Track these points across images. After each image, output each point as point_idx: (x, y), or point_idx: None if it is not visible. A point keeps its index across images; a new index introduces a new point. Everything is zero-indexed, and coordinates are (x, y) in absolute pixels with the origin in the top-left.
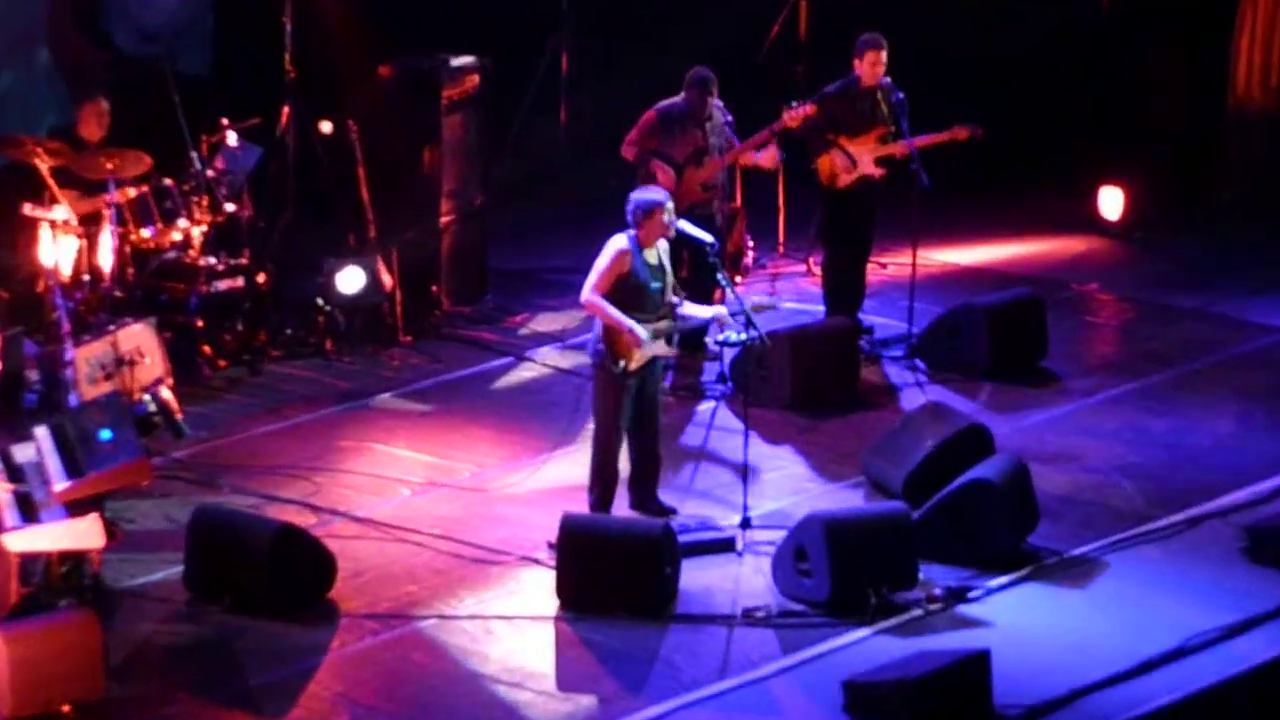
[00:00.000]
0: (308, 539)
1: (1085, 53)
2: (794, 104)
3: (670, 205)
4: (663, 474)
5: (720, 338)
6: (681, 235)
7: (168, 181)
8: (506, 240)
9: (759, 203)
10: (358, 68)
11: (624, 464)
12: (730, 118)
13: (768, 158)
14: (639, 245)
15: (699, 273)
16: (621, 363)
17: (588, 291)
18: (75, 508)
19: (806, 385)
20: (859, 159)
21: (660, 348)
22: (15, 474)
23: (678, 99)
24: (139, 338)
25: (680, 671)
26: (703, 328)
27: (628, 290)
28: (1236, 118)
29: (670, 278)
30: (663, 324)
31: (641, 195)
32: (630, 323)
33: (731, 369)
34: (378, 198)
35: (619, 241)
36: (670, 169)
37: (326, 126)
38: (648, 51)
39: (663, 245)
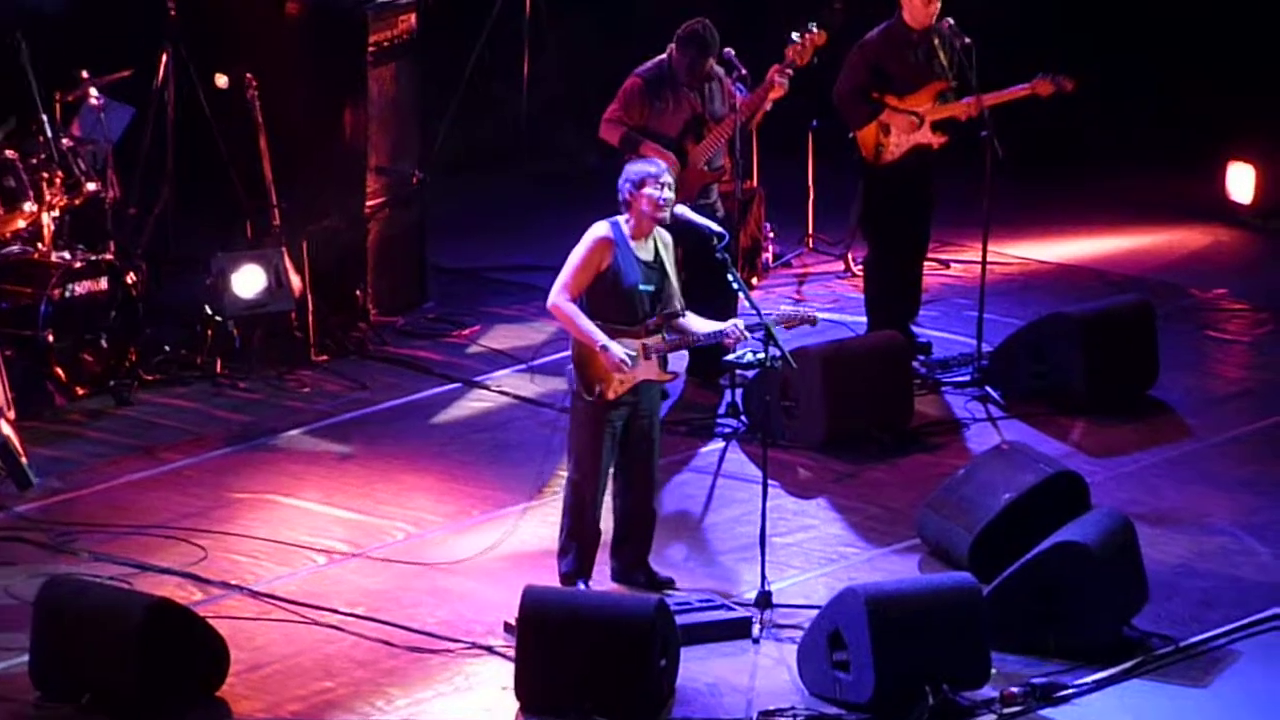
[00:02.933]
0: (191, 620)
1: None
2: (795, 36)
3: (667, 178)
4: (657, 535)
5: (731, 357)
6: (680, 224)
7: (9, 153)
8: (453, 230)
9: (782, 181)
10: (259, 4)
11: (607, 522)
12: (745, 71)
13: (776, 91)
14: (627, 235)
15: (703, 274)
16: (597, 389)
17: (555, 293)
18: None
19: (844, 420)
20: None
21: (649, 370)
22: None
23: (663, 57)
24: None
25: None
26: (717, 347)
27: (608, 293)
28: None
29: (672, 281)
30: (652, 339)
31: (635, 163)
32: (601, 337)
33: (746, 399)
34: (284, 174)
35: (600, 229)
36: (667, 153)
37: (220, 80)
38: None
39: (663, 237)
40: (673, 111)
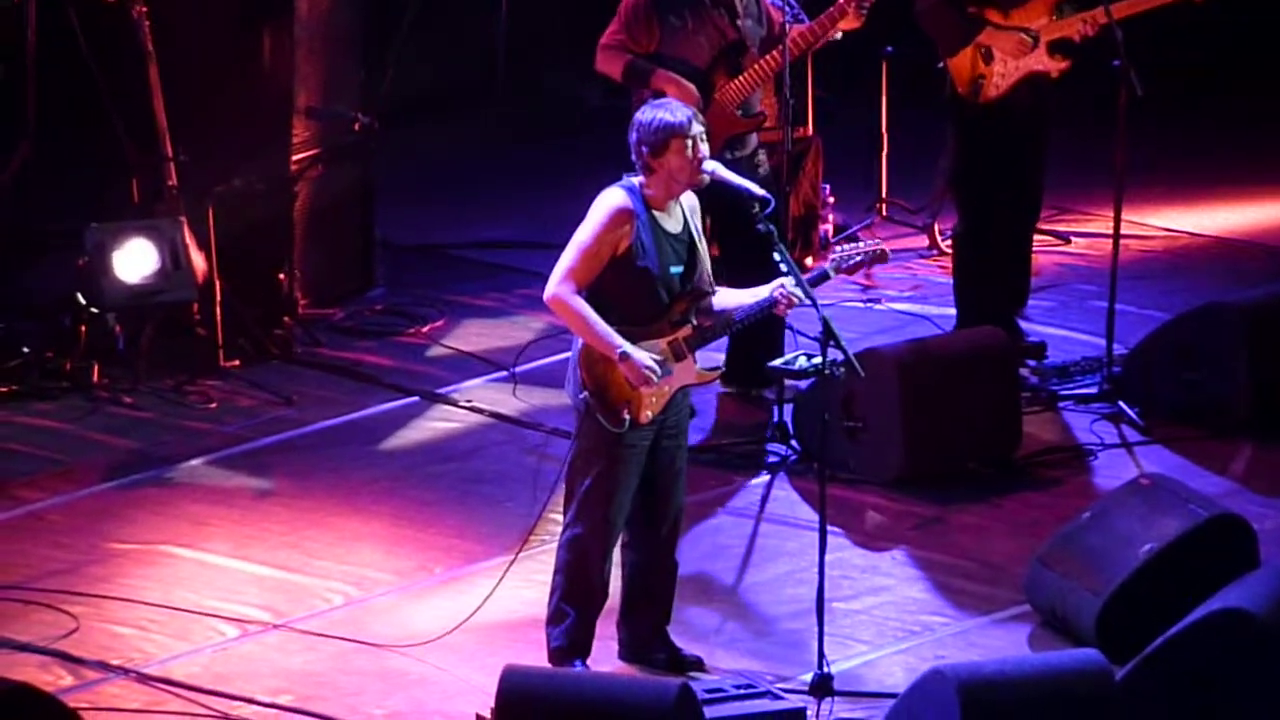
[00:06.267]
0: (56, 711)
1: None
2: None
3: (696, 127)
4: (680, 597)
5: (778, 363)
6: (715, 186)
7: None
8: (409, 194)
9: (845, 128)
10: None
11: (614, 582)
12: None
13: (847, 21)
14: (647, 204)
15: (739, 251)
16: (626, 415)
17: (555, 283)
18: None
19: (928, 446)
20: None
21: (685, 373)
22: None
23: None
24: None
25: None
26: (757, 349)
27: (627, 283)
28: None
29: (704, 258)
30: (682, 331)
31: (650, 113)
32: (619, 342)
33: (797, 418)
34: (183, 118)
35: (615, 198)
36: (687, 84)
37: None
38: None
39: (690, 203)
40: (692, 33)
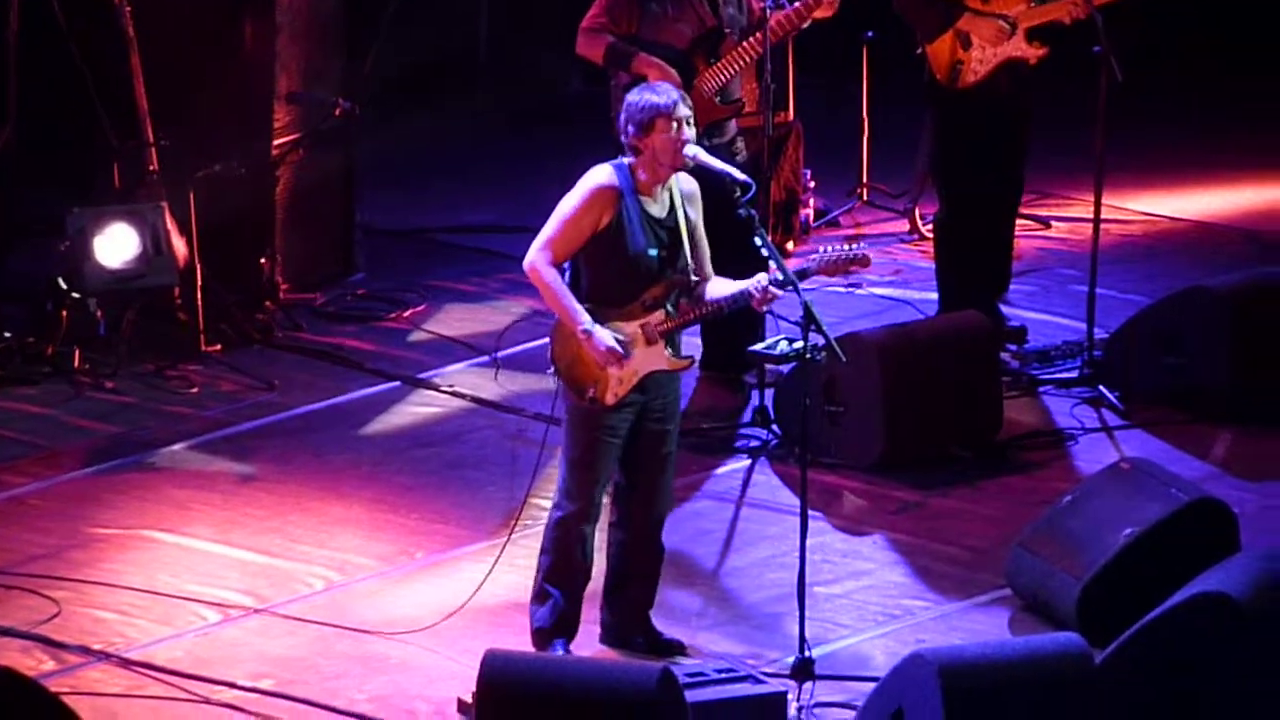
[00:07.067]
0: (38, 697)
1: None
2: None
3: (682, 110)
4: (662, 582)
5: (759, 347)
6: (697, 170)
7: None
8: (390, 179)
9: (826, 113)
10: None
11: (599, 564)
12: None
13: (822, 10)
14: (634, 185)
15: (721, 236)
16: (590, 392)
17: (534, 251)
18: None
19: (908, 431)
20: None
21: (653, 358)
22: None
23: None
24: None
25: None
26: (739, 332)
27: (604, 262)
28: None
29: (689, 245)
30: (653, 317)
31: (639, 94)
32: (583, 319)
33: (778, 402)
34: (164, 102)
35: (601, 175)
36: (668, 69)
37: None
38: None
39: (682, 185)
40: (672, 19)
